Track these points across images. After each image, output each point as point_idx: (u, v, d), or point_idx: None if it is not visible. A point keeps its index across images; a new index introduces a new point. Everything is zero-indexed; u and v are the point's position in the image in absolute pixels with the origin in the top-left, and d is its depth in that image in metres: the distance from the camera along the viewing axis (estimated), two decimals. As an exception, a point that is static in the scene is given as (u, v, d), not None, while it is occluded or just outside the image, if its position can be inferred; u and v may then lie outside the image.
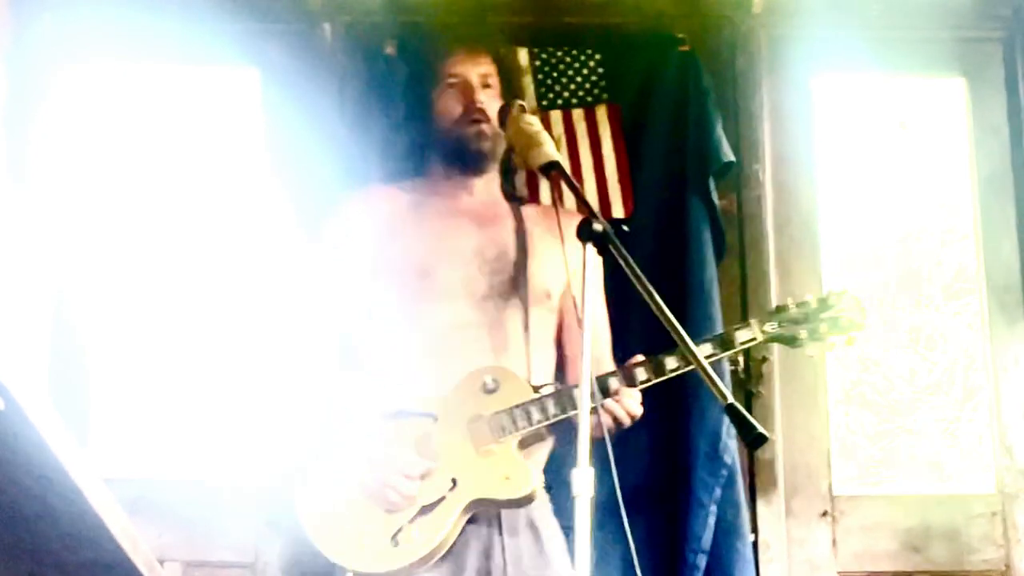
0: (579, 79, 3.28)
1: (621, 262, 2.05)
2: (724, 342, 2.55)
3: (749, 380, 3.16)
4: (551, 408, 2.48)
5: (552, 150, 2.40)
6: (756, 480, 3.16)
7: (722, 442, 2.99)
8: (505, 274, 2.64)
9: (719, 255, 3.18)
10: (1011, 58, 3.44)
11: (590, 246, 2.06)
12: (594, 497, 1.82)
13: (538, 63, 3.28)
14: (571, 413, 2.47)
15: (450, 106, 2.71)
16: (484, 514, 2.49)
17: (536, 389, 2.53)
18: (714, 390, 1.93)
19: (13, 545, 1.58)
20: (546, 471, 2.57)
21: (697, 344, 2.52)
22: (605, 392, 2.47)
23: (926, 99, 3.57)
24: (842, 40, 3.39)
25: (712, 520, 2.97)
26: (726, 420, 2.74)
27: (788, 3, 3.40)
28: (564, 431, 2.51)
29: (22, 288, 3.04)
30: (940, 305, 3.53)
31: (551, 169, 2.39)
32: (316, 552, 2.42)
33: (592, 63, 3.29)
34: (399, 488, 2.42)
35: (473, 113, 2.68)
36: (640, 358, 2.50)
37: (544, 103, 3.26)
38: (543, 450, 2.59)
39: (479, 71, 2.73)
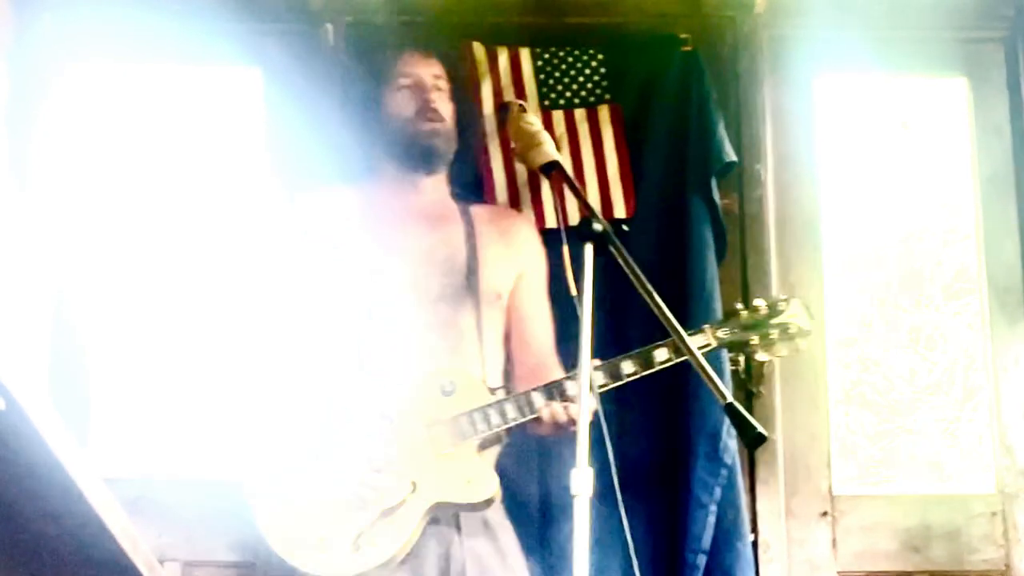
0: (581, 79, 3.28)
1: (621, 262, 2.05)
2: (679, 347, 2.56)
3: (749, 380, 3.16)
4: (510, 412, 2.50)
5: (552, 150, 2.41)
6: (756, 480, 3.15)
7: (722, 442, 2.99)
8: (456, 275, 2.65)
9: (720, 255, 3.18)
10: (1013, 58, 3.43)
11: (590, 246, 2.06)
12: (593, 496, 1.82)
13: (540, 63, 3.28)
14: (529, 417, 2.49)
15: (403, 105, 2.72)
16: (443, 516, 2.49)
17: (493, 391, 2.55)
18: (714, 390, 1.94)
19: (13, 545, 1.58)
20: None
21: (654, 348, 2.56)
22: (563, 395, 2.49)
23: (928, 99, 3.57)
24: (844, 40, 3.38)
25: (712, 520, 2.97)
26: (726, 420, 2.74)
27: (790, 3, 3.39)
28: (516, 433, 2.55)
29: (22, 288, 3.04)
30: (940, 305, 3.53)
31: (551, 169, 2.39)
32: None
33: (594, 63, 3.29)
34: (362, 493, 2.41)
35: (428, 112, 2.70)
36: (597, 362, 2.50)
37: (546, 103, 3.26)
38: (495, 451, 2.60)
39: (431, 72, 2.75)
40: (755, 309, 2.65)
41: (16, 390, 1.26)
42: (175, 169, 3.33)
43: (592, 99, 3.27)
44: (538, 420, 2.51)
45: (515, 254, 2.77)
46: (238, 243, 3.24)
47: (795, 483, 3.20)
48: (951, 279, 3.53)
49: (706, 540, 2.96)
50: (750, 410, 3.06)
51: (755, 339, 2.64)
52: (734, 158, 3.20)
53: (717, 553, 2.97)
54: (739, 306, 2.68)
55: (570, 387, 2.49)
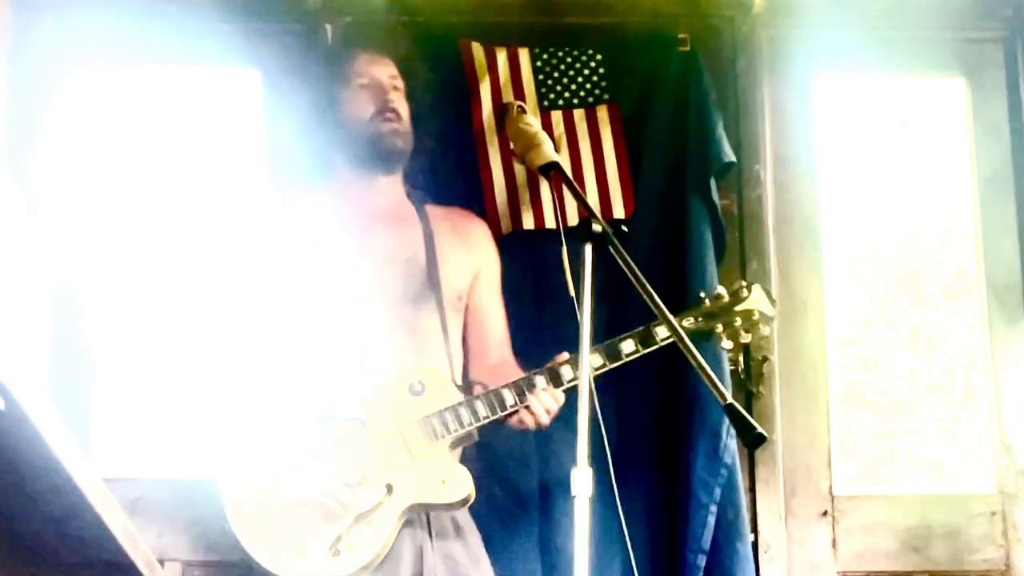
0: (580, 79, 3.28)
1: (620, 262, 2.06)
2: (645, 338, 2.59)
3: (749, 380, 3.16)
4: (481, 410, 2.51)
5: (551, 150, 2.42)
6: (756, 480, 3.16)
7: (722, 442, 2.99)
8: (418, 276, 2.66)
9: (720, 255, 3.17)
10: (1012, 58, 3.43)
11: (589, 246, 2.06)
12: (592, 496, 1.82)
13: (539, 63, 3.28)
14: (501, 414, 2.51)
15: (362, 106, 2.74)
16: (415, 518, 2.49)
17: (461, 389, 2.56)
18: (714, 390, 1.94)
19: (13, 545, 1.58)
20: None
21: (620, 341, 2.58)
22: (533, 390, 2.50)
23: (927, 99, 3.57)
24: (843, 40, 3.39)
25: (712, 520, 2.97)
26: (726, 420, 2.74)
27: (789, 3, 3.40)
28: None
29: (22, 289, 3.04)
30: (940, 305, 3.53)
31: (550, 170, 2.40)
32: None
33: (593, 63, 3.29)
34: (339, 497, 2.41)
35: (387, 112, 2.71)
36: (565, 356, 2.55)
37: (545, 103, 3.25)
38: (460, 449, 2.61)
39: (387, 72, 2.77)
40: (718, 297, 2.68)
41: (16, 390, 1.26)
42: (174, 171, 3.33)
43: (591, 99, 3.27)
44: (510, 416, 2.52)
45: (471, 253, 2.81)
46: (234, 244, 3.23)
47: (795, 483, 3.20)
48: (950, 279, 3.53)
49: (706, 540, 2.96)
50: (750, 410, 3.07)
51: (719, 327, 2.66)
52: (733, 158, 3.19)
53: (717, 553, 2.97)
54: (702, 295, 2.70)
55: (539, 382, 2.52)
